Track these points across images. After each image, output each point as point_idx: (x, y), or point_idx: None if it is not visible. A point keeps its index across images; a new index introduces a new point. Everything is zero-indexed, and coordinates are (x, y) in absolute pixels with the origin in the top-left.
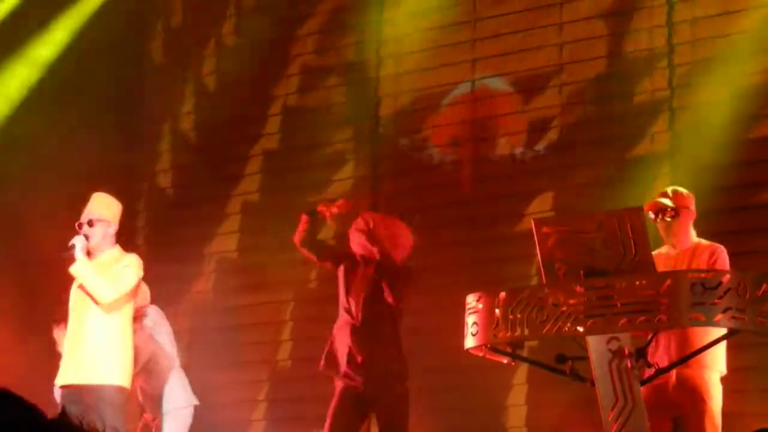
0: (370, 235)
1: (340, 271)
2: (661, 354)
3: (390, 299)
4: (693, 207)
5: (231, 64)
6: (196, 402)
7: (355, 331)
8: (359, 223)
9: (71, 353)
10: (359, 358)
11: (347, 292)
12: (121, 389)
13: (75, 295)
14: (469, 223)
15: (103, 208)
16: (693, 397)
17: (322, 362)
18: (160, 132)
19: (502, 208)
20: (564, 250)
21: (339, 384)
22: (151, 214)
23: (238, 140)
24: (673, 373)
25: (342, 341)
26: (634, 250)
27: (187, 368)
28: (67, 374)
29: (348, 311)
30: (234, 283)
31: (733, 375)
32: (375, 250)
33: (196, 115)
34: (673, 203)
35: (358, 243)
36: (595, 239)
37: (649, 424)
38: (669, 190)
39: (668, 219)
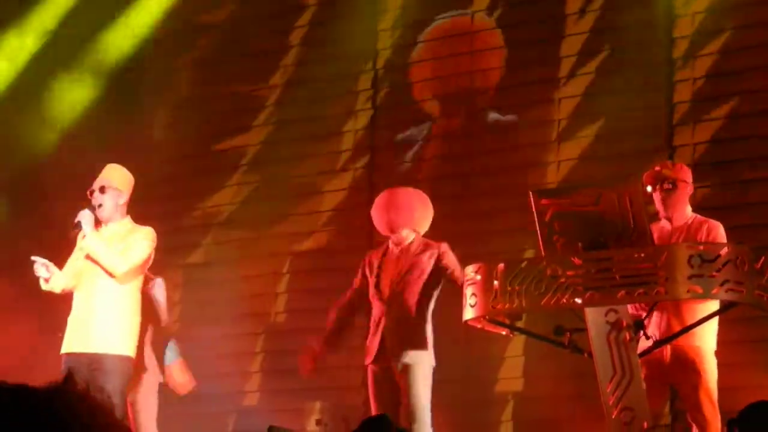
0: (399, 214)
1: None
2: (653, 328)
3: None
4: (690, 181)
5: (231, 35)
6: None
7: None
8: (383, 201)
9: (79, 322)
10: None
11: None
12: (126, 359)
13: (84, 265)
14: (467, 195)
15: (116, 178)
16: (689, 370)
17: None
18: (157, 103)
19: (500, 180)
20: (562, 222)
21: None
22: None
23: (235, 113)
24: (668, 346)
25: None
26: (632, 223)
27: (182, 338)
28: (75, 343)
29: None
30: (228, 255)
31: (727, 348)
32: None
33: (193, 86)
34: (672, 175)
35: (384, 222)
36: (594, 212)
37: (648, 395)
38: (669, 162)
39: (666, 190)
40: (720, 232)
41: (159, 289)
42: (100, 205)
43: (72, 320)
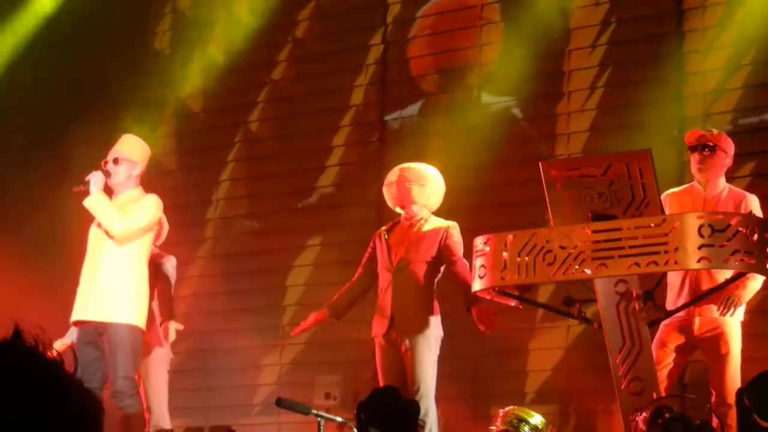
0: (407, 190)
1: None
2: (686, 298)
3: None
4: (731, 153)
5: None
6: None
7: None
8: (394, 176)
9: (86, 290)
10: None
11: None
12: (135, 329)
13: (92, 234)
14: (475, 169)
15: (131, 149)
16: (717, 341)
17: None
18: (165, 79)
19: (511, 152)
20: (572, 192)
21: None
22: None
23: (244, 89)
24: (697, 316)
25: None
26: (642, 193)
27: (198, 312)
28: (82, 311)
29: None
30: (238, 233)
31: (750, 319)
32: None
33: (202, 62)
34: (713, 141)
35: (395, 198)
36: (604, 182)
37: (672, 362)
38: (714, 129)
39: (705, 153)
40: (756, 206)
41: (170, 267)
42: (113, 176)
43: (80, 289)
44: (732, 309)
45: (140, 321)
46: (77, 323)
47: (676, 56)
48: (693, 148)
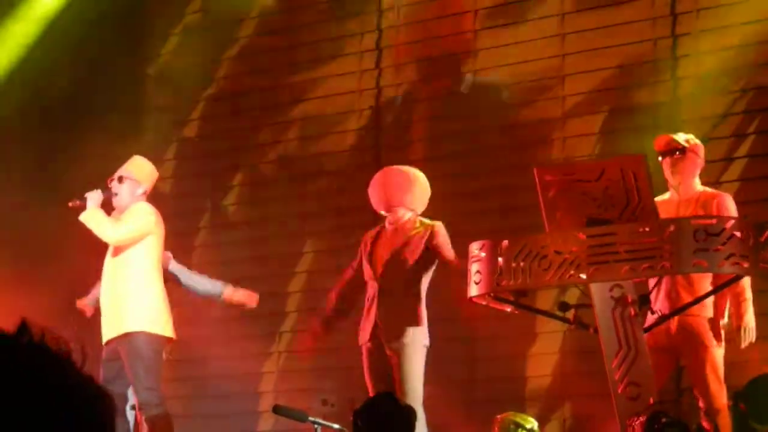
0: (388, 191)
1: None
2: (663, 301)
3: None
4: (701, 155)
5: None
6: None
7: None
8: (381, 178)
9: (103, 311)
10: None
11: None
12: (152, 337)
13: (107, 258)
14: (469, 174)
15: (137, 169)
16: (694, 342)
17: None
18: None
19: (506, 157)
20: (566, 197)
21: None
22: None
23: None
24: (675, 319)
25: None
26: (637, 198)
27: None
28: (104, 331)
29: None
30: (240, 237)
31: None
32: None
33: (210, 70)
34: (682, 144)
35: (380, 201)
36: (598, 187)
37: (653, 367)
38: (681, 134)
39: (676, 156)
40: (730, 205)
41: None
42: (116, 194)
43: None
44: (751, 336)
45: (157, 328)
46: (106, 344)
47: (671, 60)
48: (663, 154)
